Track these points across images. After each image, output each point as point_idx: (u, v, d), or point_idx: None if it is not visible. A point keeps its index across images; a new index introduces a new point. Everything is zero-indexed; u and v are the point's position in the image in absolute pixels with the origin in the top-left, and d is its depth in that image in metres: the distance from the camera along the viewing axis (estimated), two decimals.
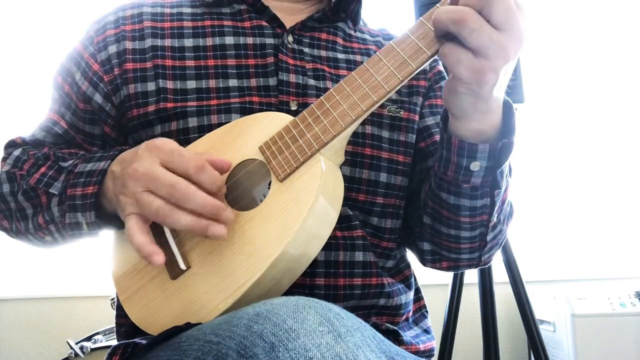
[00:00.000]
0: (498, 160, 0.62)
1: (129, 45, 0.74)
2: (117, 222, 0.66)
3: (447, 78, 0.86)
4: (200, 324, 0.56)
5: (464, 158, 0.62)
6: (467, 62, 0.51)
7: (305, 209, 0.56)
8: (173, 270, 0.60)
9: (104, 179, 0.63)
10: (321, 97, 0.60)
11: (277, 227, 0.56)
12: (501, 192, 0.67)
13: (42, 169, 0.69)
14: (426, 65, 0.83)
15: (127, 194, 0.57)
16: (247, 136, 0.63)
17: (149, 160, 0.57)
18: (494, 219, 0.70)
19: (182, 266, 0.60)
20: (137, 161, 0.57)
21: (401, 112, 0.78)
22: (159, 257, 0.56)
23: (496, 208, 0.68)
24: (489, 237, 0.72)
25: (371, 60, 0.58)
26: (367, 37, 0.85)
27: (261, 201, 0.60)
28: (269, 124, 0.63)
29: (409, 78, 0.57)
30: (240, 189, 0.64)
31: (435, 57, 0.57)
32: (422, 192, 0.75)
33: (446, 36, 0.53)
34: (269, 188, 0.64)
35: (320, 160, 0.58)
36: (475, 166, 0.62)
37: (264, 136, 0.62)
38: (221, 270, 0.58)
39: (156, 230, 0.63)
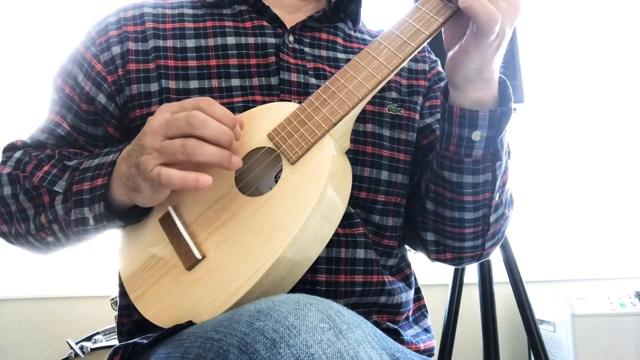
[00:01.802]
0: (498, 127, 0.64)
1: (132, 46, 0.74)
2: (125, 218, 0.65)
3: (446, 80, 0.87)
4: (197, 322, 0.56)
5: (465, 128, 0.64)
6: (489, 7, 0.55)
7: (320, 186, 0.57)
8: (188, 261, 0.60)
9: (114, 170, 0.63)
10: (325, 83, 0.62)
11: (293, 206, 0.57)
12: (502, 165, 0.69)
13: (46, 168, 0.68)
14: (425, 66, 0.84)
15: (147, 152, 0.58)
16: (255, 126, 0.64)
17: (161, 114, 0.59)
18: (496, 197, 0.71)
19: (198, 256, 0.60)
20: (150, 121, 0.59)
21: (401, 111, 0.78)
22: (206, 177, 0.56)
23: (497, 184, 0.69)
24: (492, 219, 0.73)
25: (371, 45, 0.62)
26: (366, 37, 0.85)
27: (271, 188, 0.60)
28: (275, 112, 0.64)
29: (409, 57, 0.60)
30: (251, 176, 0.64)
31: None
32: (423, 182, 0.76)
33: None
34: (274, 179, 0.64)
35: (330, 141, 0.60)
36: (476, 136, 0.65)
37: (272, 124, 0.63)
38: (239, 254, 0.58)
39: (167, 223, 0.63)
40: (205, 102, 0.58)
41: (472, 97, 0.64)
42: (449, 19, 0.59)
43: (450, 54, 0.62)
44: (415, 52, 0.60)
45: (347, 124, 0.62)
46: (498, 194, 0.71)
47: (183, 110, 0.58)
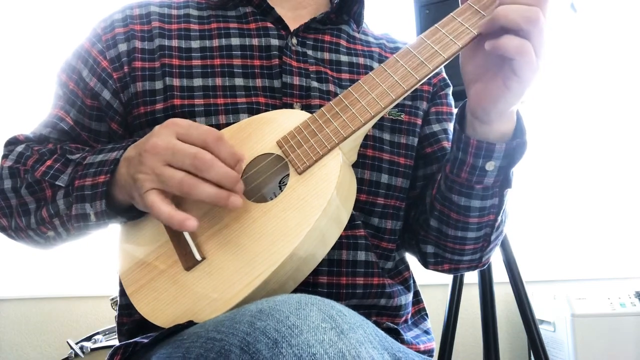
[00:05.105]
0: (512, 159, 0.64)
1: (138, 44, 0.74)
2: (126, 214, 0.65)
3: (450, 85, 0.87)
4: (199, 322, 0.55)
5: (480, 159, 0.64)
6: (532, 56, 0.53)
7: (325, 200, 0.57)
8: (187, 261, 0.60)
9: (117, 168, 0.63)
10: (339, 96, 0.62)
11: (296, 217, 0.57)
12: (509, 191, 0.68)
13: (49, 162, 0.68)
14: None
15: (145, 171, 0.57)
16: (264, 131, 0.64)
17: (167, 134, 0.57)
18: (499, 218, 0.71)
19: (198, 257, 0.60)
20: (154, 137, 0.58)
21: (402, 116, 0.79)
22: (192, 221, 0.55)
23: (503, 207, 0.70)
24: (492, 237, 0.73)
25: (388, 62, 0.61)
26: (370, 39, 0.86)
27: (275, 194, 0.60)
28: (286, 120, 0.64)
29: (425, 79, 0.59)
30: (257, 182, 0.64)
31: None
32: (427, 197, 0.76)
33: (494, 33, 0.55)
34: (279, 186, 0.64)
35: (339, 154, 0.60)
36: (490, 166, 0.64)
37: (281, 131, 0.63)
38: (239, 260, 0.58)
39: None
40: (211, 138, 0.56)
41: (498, 130, 0.62)
42: (468, 44, 0.58)
43: (480, 89, 0.59)
44: (432, 74, 0.59)
45: (357, 139, 0.63)
46: (501, 215, 0.71)
47: (189, 137, 0.57)
